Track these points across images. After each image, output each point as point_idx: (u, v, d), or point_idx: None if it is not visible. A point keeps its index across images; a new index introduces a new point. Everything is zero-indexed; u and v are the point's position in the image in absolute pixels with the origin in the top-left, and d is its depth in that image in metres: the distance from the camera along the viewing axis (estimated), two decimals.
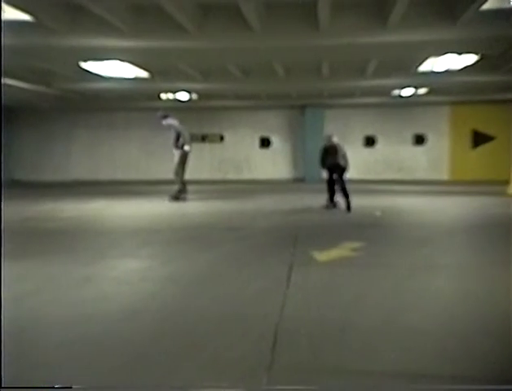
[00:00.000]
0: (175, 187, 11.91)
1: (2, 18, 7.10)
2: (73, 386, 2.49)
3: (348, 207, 9.70)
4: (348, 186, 9.95)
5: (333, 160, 10.27)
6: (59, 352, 2.90)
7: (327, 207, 10.43)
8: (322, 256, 5.32)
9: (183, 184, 11.97)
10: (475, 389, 2.53)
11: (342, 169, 10.14)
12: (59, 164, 20.46)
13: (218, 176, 19.72)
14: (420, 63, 11.72)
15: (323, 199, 10.91)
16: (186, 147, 11.74)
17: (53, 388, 2.51)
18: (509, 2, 7.00)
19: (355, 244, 5.88)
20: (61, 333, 3.18)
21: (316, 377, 2.58)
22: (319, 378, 2.57)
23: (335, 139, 10.65)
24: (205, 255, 5.55)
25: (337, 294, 3.99)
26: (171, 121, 12.15)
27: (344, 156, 10.31)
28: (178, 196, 11.83)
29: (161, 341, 3.05)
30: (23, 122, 20.16)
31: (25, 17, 7.52)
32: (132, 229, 7.74)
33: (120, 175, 20.06)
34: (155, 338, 3.10)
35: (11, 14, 7.38)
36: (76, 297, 3.96)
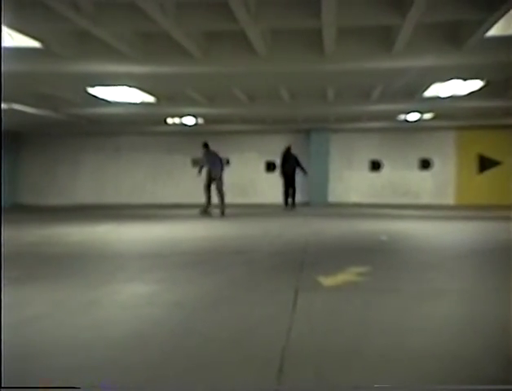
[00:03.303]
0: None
1: (3, 43, 7.18)
2: (82, 387, 2.48)
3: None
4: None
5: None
6: (63, 378, 2.90)
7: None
8: (328, 280, 5.33)
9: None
10: (475, 389, 2.54)
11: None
12: (64, 188, 20.54)
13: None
14: (425, 89, 11.79)
15: (330, 223, 10.92)
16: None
17: (61, 388, 2.48)
18: None
19: (361, 269, 5.88)
20: (65, 359, 3.18)
21: None
22: None
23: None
24: (211, 279, 5.56)
25: (344, 319, 3.99)
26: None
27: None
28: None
29: (166, 367, 3.05)
30: (29, 147, 20.31)
31: (33, 43, 7.62)
32: (138, 253, 7.75)
33: (125, 199, 20.10)
34: (160, 364, 3.10)
35: (19, 40, 7.49)
36: (81, 322, 3.97)
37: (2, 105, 11.30)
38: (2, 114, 12.27)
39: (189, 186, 19.33)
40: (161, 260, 6.95)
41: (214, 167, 14.29)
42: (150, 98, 12.94)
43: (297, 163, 16.72)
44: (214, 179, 14.33)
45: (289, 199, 16.74)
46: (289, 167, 16.67)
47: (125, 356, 3.24)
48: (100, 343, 3.46)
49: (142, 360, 3.17)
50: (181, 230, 10.87)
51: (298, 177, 16.87)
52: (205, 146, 14.48)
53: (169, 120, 16.93)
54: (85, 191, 20.50)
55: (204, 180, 14.37)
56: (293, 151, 17.15)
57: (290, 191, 16.71)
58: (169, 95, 13.39)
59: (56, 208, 18.51)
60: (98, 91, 11.54)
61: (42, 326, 3.88)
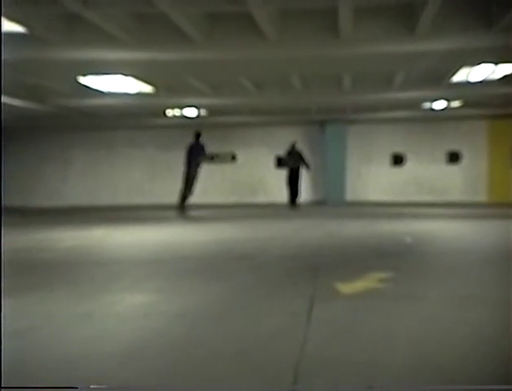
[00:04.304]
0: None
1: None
2: (79, 386, 2.49)
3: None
4: None
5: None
6: None
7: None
8: (346, 288, 5.31)
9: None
10: (475, 389, 2.53)
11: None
12: (54, 188, 20.61)
13: (230, 199, 19.73)
14: (453, 74, 11.73)
15: (347, 224, 10.89)
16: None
17: (58, 388, 2.50)
18: None
19: (384, 275, 5.86)
20: (57, 375, 3.18)
21: None
22: None
23: None
24: (215, 287, 5.55)
25: (364, 330, 3.96)
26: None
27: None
28: None
29: (167, 382, 3.04)
30: (14, 143, 20.32)
31: (17, 28, 7.64)
32: (135, 259, 7.76)
33: (121, 200, 20.15)
34: (159, 380, 3.09)
35: (2, 25, 7.50)
36: (75, 335, 3.96)
37: None
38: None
39: None
40: (160, 266, 6.95)
41: (192, 167, 14.30)
42: (147, 88, 12.96)
43: (301, 158, 17.47)
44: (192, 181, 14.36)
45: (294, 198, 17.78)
46: (293, 164, 17.46)
47: (123, 370, 3.23)
48: (96, 357, 3.46)
49: (141, 375, 3.16)
50: (182, 232, 10.87)
51: (318, 173, 17.08)
52: (197, 136, 14.45)
53: (169, 113, 16.94)
54: (77, 192, 20.55)
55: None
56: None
57: (294, 189, 17.64)
58: (168, 85, 13.40)
59: (46, 210, 18.55)
60: (90, 81, 11.56)
61: (32, 340, 3.88)
